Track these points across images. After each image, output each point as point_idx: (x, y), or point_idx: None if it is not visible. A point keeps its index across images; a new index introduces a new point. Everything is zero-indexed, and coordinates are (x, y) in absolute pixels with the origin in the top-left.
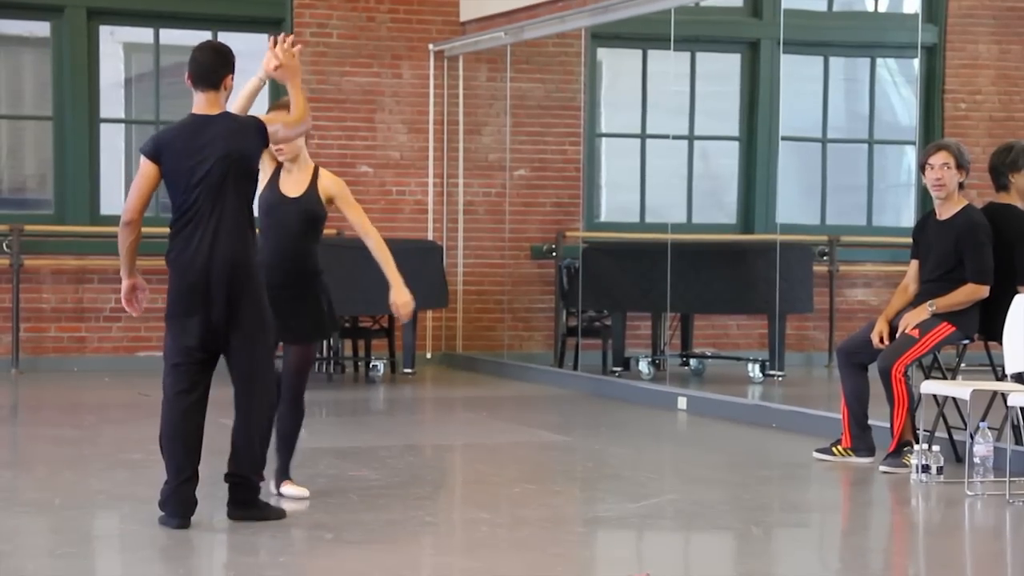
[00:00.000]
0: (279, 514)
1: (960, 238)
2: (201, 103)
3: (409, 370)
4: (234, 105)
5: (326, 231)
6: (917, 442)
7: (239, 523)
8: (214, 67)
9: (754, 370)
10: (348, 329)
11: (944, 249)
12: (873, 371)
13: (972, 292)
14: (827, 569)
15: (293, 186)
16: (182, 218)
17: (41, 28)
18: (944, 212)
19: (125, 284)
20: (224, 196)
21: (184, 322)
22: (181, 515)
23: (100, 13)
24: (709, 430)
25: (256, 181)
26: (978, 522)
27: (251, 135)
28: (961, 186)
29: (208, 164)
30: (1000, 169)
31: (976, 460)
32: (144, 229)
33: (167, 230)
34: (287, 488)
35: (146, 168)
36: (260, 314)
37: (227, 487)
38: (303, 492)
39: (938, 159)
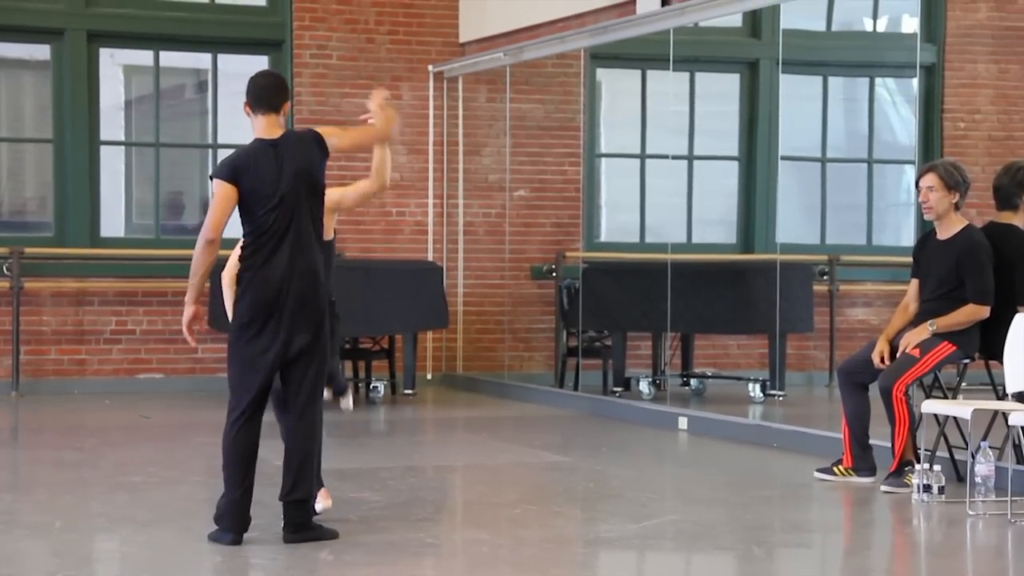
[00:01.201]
0: (333, 534)
1: (961, 259)
2: (262, 127)
3: (410, 391)
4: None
5: None
6: (918, 462)
7: (247, 541)
8: (275, 91)
9: (755, 390)
10: (348, 350)
11: (945, 269)
12: (874, 390)
13: (973, 312)
14: None
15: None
16: (259, 239)
17: (41, 51)
18: (944, 232)
19: (190, 311)
20: (299, 214)
21: (256, 343)
22: (235, 531)
23: (100, 36)
24: (710, 450)
25: (323, 194)
26: (980, 542)
27: (313, 149)
28: (957, 206)
29: (282, 184)
30: (1011, 189)
31: (977, 480)
32: (138, 251)
33: (161, 252)
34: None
35: (226, 190)
36: (321, 331)
37: (282, 511)
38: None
39: (924, 182)
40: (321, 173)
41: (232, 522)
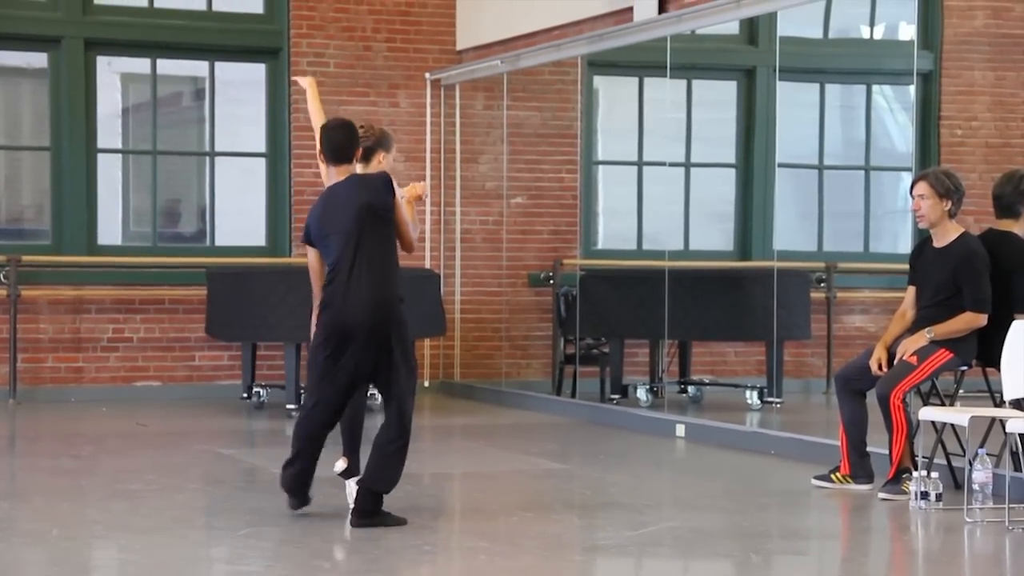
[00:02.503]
0: (400, 521)
1: (958, 267)
2: (334, 176)
3: None
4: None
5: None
6: (916, 469)
7: (246, 549)
8: (348, 144)
9: (752, 397)
10: None
11: (942, 278)
12: (871, 397)
13: (971, 320)
14: None
15: None
16: (332, 272)
17: (39, 59)
18: (940, 240)
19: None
20: (364, 243)
21: (331, 361)
22: (293, 495)
23: (97, 44)
24: (707, 457)
25: (392, 225)
26: (977, 549)
27: (380, 187)
28: (952, 214)
29: (346, 220)
30: (1013, 197)
31: (975, 487)
32: (136, 259)
33: (158, 259)
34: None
35: (309, 254)
36: (404, 348)
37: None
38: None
39: (916, 190)
40: (388, 207)
41: (291, 487)
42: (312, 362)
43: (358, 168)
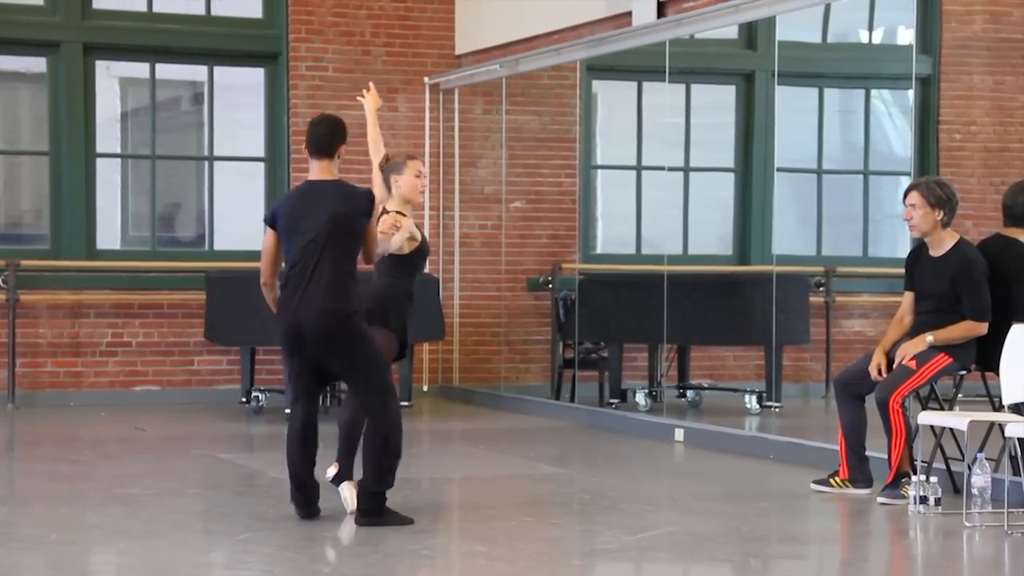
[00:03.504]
0: (405, 520)
1: (956, 277)
2: (315, 170)
3: (406, 403)
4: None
5: None
6: (915, 473)
7: (244, 554)
8: (330, 138)
9: (751, 401)
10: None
11: (940, 287)
12: (870, 402)
13: (971, 328)
14: None
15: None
16: (291, 271)
17: (37, 64)
18: (936, 249)
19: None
20: (327, 252)
21: (289, 359)
22: (296, 504)
23: (96, 48)
24: (706, 462)
25: (360, 241)
26: (976, 553)
27: (361, 202)
28: (945, 224)
29: (315, 225)
30: (1023, 208)
31: (974, 491)
32: (135, 263)
33: (157, 264)
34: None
35: (267, 234)
36: (357, 358)
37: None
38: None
39: (908, 199)
40: (359, 224)
41: (292, 494)
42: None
43: (326, 167)
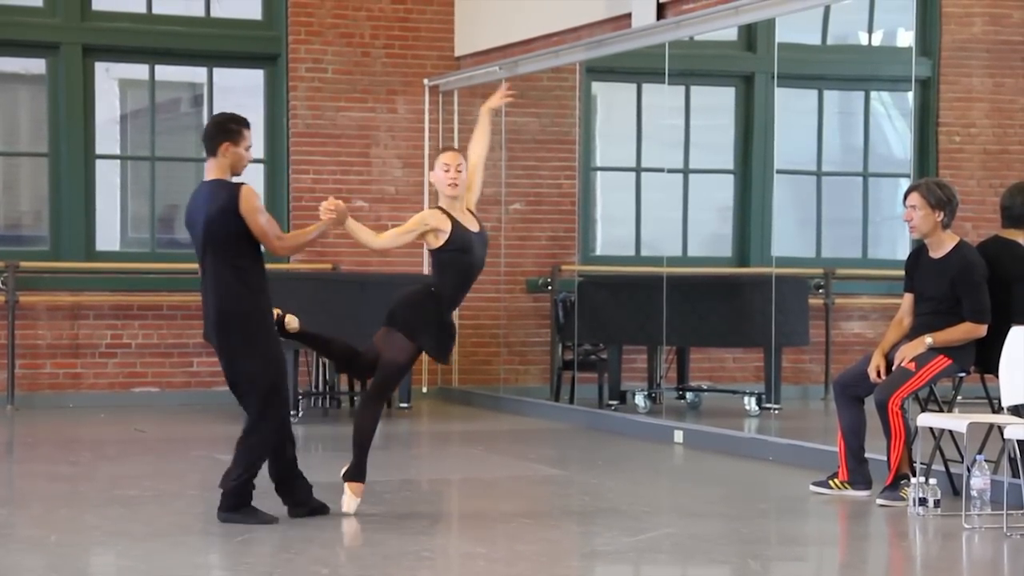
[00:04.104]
0: (266, 519)
1: (956, 279)
2: (206, 169)
3: (405, 404)
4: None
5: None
6: (914, 475)
7: (243, 555)
8: (212, 136)
9: (750, 403)
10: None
11: (940, 290)
12: (869, 404)
13: (970, 331)
14: None
15: (470, 222)
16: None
17: (37, 65)
18: (936, 251)
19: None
20: (207, 258)
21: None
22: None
23: (96, 50)
24: (706, 463)
25: (235, 241)
26: (976, 555)
27: (223, 202)
28: (945, 225)
29: (197, 228)
30: (1021, 209)
31: (973, 493)
32: (134, 265)
33: (157, 265)
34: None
35: None
36: (240, 359)
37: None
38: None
39: (908, 200)
40: (225, 223)
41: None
42: None
43: (212, 166)
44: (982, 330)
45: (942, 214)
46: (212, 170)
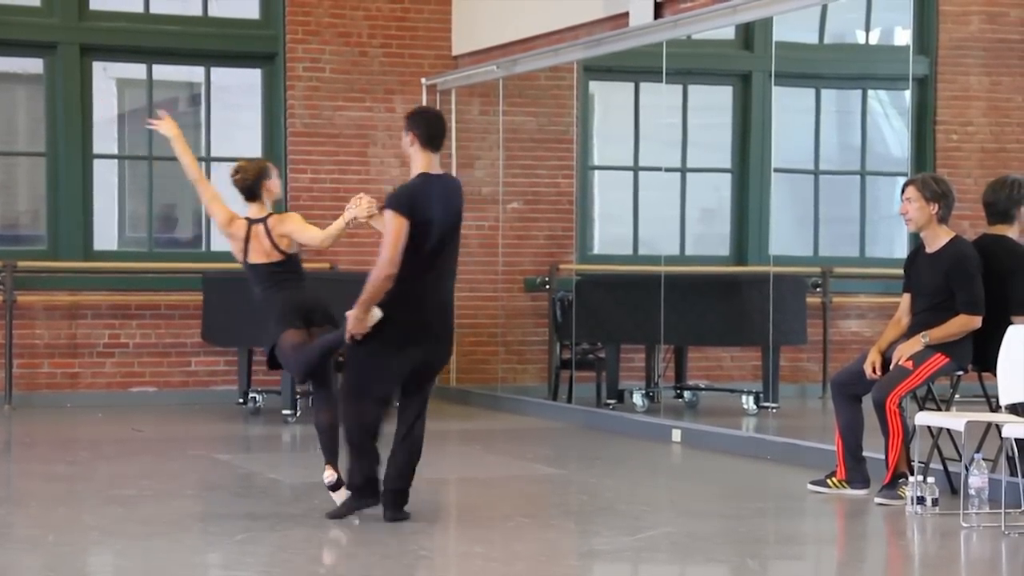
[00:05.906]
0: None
1: (950, 271)
2: (428, 163)
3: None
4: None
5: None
6: (912, 474)
7: (242, 555)
8: (443, 133)
9: (748, 402)
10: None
11: (935, 282)
12: (867, 403)
13: (964, 323)
14: None
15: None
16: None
17: (34, 65)
18: (931, 245)
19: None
20: (447, 245)
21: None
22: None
23: (93, 49)
24: (703, 462)
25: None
26: (974, 554)
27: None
28: (942, 219)
29: (449, 219)
30: (1006, 203)
31: (971, 492)
32: (132, 264)
33: (154, 265)
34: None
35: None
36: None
37: None
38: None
39: (904, 193)
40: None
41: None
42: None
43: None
44: (976, 321)
45: (937, 207)
46: (437, 166)
